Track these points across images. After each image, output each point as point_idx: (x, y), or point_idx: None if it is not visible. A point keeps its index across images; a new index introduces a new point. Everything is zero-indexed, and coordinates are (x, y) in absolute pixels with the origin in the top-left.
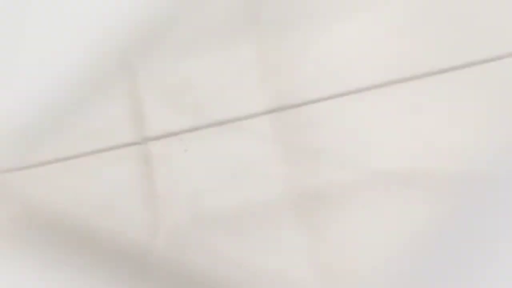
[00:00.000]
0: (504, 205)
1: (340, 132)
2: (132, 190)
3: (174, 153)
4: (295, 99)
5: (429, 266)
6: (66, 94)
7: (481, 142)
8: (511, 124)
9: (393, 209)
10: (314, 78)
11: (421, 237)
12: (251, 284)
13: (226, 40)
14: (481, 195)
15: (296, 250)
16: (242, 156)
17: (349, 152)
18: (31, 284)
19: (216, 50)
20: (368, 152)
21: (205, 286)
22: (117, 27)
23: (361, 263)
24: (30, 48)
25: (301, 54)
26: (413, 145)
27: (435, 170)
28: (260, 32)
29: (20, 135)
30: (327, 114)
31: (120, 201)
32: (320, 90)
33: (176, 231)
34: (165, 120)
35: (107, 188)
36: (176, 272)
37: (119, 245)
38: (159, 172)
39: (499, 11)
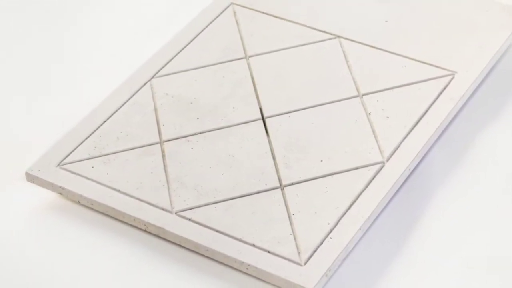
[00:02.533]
0: None
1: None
2: (154, 176)
3: (183, 150)
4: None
5: None
6: (107, 107)
7: None
8: None
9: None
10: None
11: None
12: (240, 247)
13: (221, 68)
14: None
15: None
16: (234, 153)
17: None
18: (73, 258)
19: (214, 75)
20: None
21: (206, 248)
22: (143, 57)
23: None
24: (83, 70)
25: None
26: None
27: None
28: (248, 61)
29: (73, 136)
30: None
31: (146, 184)
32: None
33: (185, 207)
34: (177, 127)
35: (136, 174)
36: (184, 238)
37: (144, 215)
38: (173, 164)
39: None
